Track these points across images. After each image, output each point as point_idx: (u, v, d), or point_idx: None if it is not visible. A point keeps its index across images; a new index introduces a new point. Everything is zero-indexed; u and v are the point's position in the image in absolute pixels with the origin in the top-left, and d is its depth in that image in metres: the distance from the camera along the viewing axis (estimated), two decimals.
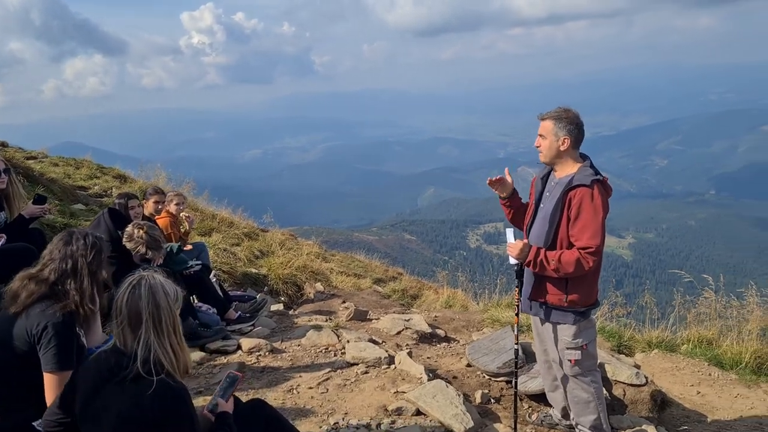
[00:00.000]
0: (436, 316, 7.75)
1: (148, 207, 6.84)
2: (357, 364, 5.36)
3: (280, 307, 7.94)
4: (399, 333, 6.55)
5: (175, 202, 7.40)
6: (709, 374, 6.40)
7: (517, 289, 4.15)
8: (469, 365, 5.60)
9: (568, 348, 3.87)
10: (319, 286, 8.82)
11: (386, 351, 5.64)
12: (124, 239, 5.46)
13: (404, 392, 4.70)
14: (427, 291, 12.16)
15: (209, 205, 14.70)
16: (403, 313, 7.62)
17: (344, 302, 7.88)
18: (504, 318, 7.26)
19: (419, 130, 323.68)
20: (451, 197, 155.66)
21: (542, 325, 4.07)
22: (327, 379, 5.03)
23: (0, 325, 3.13)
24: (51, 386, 3.06)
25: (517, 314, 4.28)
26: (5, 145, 15.29)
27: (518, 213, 4.26)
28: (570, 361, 3.89)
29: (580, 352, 3.86)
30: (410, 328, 6.66)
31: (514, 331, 4.54)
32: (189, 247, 7.02)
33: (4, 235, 4.92)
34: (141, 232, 5.43)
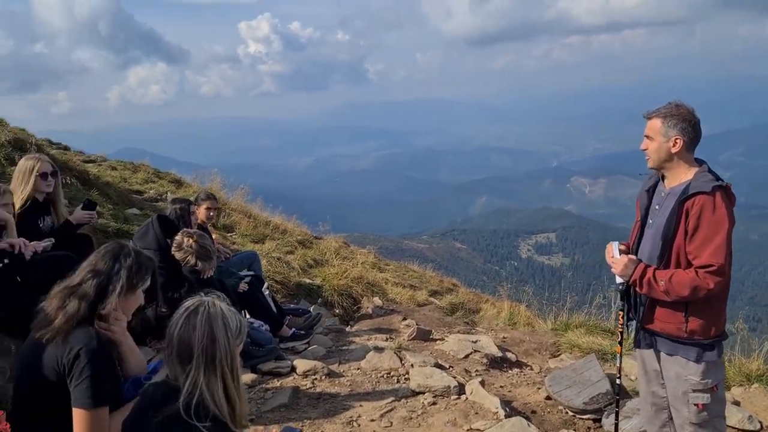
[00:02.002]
0: (504, 337, 7.11)
1: (200, 213, 6.41)
2: (423, 393, 4.79)
3: (335, 321, 7.45)
4: (467, 357, 5.94)
5: (205, 206, 6.58)
6: None
7: (621, 312, 3.52)
8: (548, 398, 4.97)
9: (695, 390, 3.18)
10: (377, 300, 8.30)
11: (455, 378, 5.06)
12: (173, 248, 5.07)
13: (480, 430, 4.11)
14: (485, 305, 11.51)
15: (262, 212, 14.43)
16: (468, 333, 7.00)
17: (405, 319, 7.31)
18: (584, 343, 6.55)
19: (470, 139, 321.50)
20: (503, 206, 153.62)
21: (656, 359, 3.40)
22: (390, 410, 4.48)
23: (31, 349, 2.70)
24: (82, 425, 2.59)
25: (620, 342, 3.63)
26: (67, 149, 15.40)
27: None
28: (697, 406, 3.19)
29: (708, 395, 3.18)
30: (479, 351, 6.05)
31: (617, 361, 3.89)
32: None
33: (52, 238, 4.57)
34: (191, 241, 5.03)
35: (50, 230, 4.93)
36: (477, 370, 5.62)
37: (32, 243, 4.08)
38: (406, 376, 5.14)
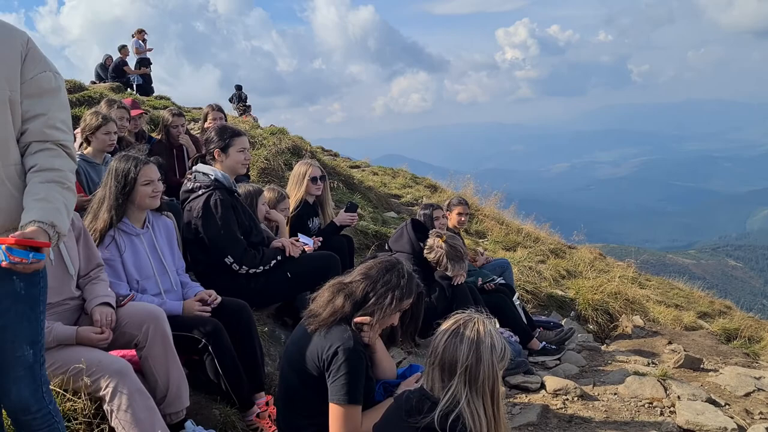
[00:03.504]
0: None
1: (452, 219, 6.45)
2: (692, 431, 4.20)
3: (589, 338, 6.97)
4: (748, 395, 5.10)
5: (457, 211, 6.48)
6: None
7: None
8: None
9: None
10: (637, 319, 7.59)
11: (732, 419, 4.35)
12: (425, 251, 5.15)
13: None
14: (766, 333, 9.91)
15: (514, 218, 14.23)
16: (749, 366, 6.04)
17: (670, 343, 6.56)
18: None
19: (753, 144, 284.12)
20: None
21: None
22: None
23: (296, 342, 2.88)
24: (336, 419, 2.69)
25: None
26: (336, 156, 16.87)
27: None
28: None
29: None
30: (763, 390, 5.17)
31: None
32: None
33: (320, 238, 4.95)
34: (440, 241, 5.06)
35: (317, 230, 5.34)
36: (761, 413, 4.77)
37: (301, 242, 4.41)
38: (672, 408, 4.56)
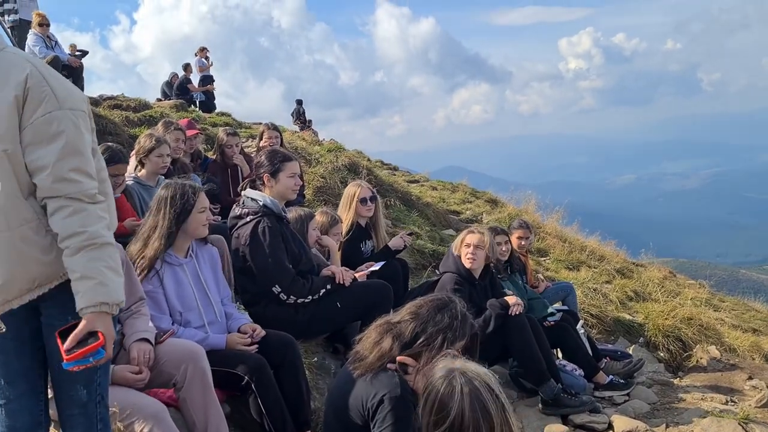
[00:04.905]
0: None
1: (513, 242, 6.11)
2: None
3: (659, 368, 6.53)
4: None
5: (517, 235, 6.23)
6: None
7: None
8: None
9: None
10: (713, 350, 7.07)
11: None
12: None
13: None
14: None
15: (577, 234, 13.71)
16: None
17: (750, 378, 6.06)
18: None
19: None
20: None
21: None
22: None
23: (340, 386, 2.70)
24: None
25: None
26: (395, 170, 16.72)
27: None
28: None
29: None
30: None
31: None
32: None
33: (380, 263, 4.73)
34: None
35: (371, 254, 5.16)
36: None
37: (354, 271, 4.24)
38: None
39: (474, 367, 2.01)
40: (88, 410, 2.12)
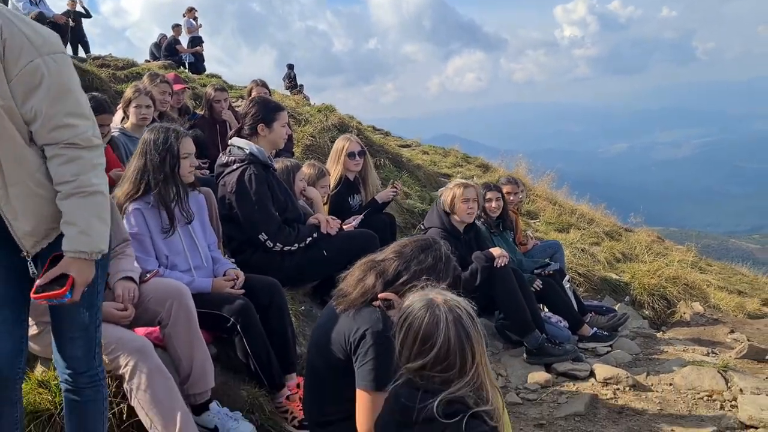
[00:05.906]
0: None
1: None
2: (756, 428, 3.89)
3: (643, 324, 6.64)
4: None
5: (506, 190, 6.07)
6: None
7: None
8: None
9: None
10: (697, 305, 7.18)
11: None
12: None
13: None
14: None
15: (568, 199, 13.77)
16: None
17: (732, 332, 6.17)
18: None
19: None
20: None
21: None
22: None
23: (323, 323, 2.73)
24: (363, 406, 2.53)
25: None
26: (387, 135, 16.66)
27: None
28: None
29: None
30: None
31: None
32: None
33: (360, 216, 4.79)
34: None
35: (359, 207, 5.18)
36: None
37: (338, 221, 4.26)
38: (733, 402, 4.24)
39: (451, 296, 2.06)
40: (89, 333, 2.18)
